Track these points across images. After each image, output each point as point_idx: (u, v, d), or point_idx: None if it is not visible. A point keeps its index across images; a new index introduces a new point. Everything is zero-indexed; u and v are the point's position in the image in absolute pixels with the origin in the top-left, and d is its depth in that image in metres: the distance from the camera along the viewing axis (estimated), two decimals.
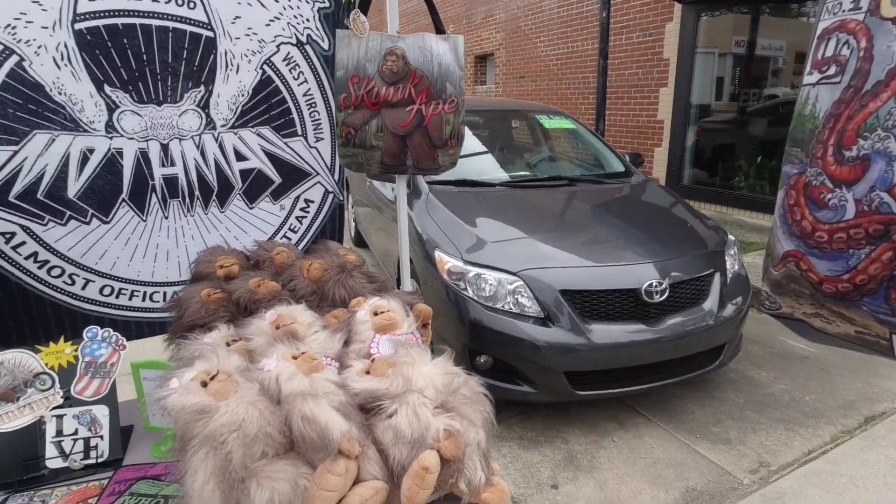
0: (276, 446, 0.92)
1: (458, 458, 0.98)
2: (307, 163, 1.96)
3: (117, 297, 1.78)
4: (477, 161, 3.82)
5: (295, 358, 1.02)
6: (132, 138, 1.66)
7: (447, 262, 2.77)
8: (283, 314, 1.17)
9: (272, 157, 1.87)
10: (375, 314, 1.23)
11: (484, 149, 4.15)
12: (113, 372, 1.28)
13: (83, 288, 1.72)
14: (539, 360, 2.53)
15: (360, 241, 5.65)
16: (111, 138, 1.64)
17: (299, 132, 1.92)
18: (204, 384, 0.93)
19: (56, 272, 1.68)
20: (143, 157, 1.68)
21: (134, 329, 1.82)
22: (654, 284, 2.62)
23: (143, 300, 1.81)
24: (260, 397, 0.94)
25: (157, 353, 1.33)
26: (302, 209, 1.99)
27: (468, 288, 2.66)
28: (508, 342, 2.55)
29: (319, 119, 1.97)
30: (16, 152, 1.54)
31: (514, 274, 2.62)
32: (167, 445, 1.24)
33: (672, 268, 2.74)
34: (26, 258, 1.63)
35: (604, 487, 2.35)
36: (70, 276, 1.70)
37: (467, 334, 2.63)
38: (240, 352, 1.09)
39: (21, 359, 1.22)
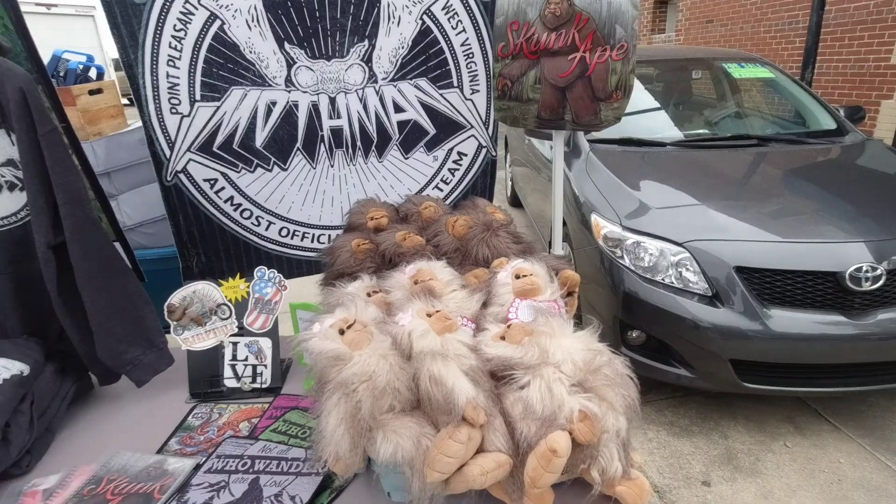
0: (403, 401, 0.92)
1: (592, 444, 0.89)
2: (462, 115, 1.94)
3: (291, 237, 1.97)
4: (646, 117, 3.45)
5: (429, 315, 1.01)
6: (306, 92, 1.78)
7: (604, 227, 2.57)
8: (422, 269, 1.16)
9: (428, 109, 1.88)
10: (517, 277, 1.16)
11: (655, 103, 3.74)
12: (276, 309, 1.40)
13: (266, 229, 1.93)
14: (701, 342, 2.26)
15: (515, 202, 5.58)
16: (289, 92, 1.77)
17: (455, 83, 1.90)
18: (341, 332, 0.95)
19: (246, 214, 1.89)
20: (314, 110, 1.80)
21: (305, 267, 2.02)
22: (865, 269, 2.14)
23: (312, 241, 1.99)
24: (391, 351, 0.94)
25: (312, 296, 1.42)
26: (455, 162, 1.99)
27: (625, 256, 2.45)
28: (667, 319, 2.31)
29: (476, 70, 1.91)
30: (218, 108, 1.73)
31: (679, 244, 2.34)
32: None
33: (892, 251, 2.21)
34: (224, 202, 1.85)
35: (767, 496, 2.06)
36: (257, 217, 1.90)
37: (620, 306, 2.44)
38: (378, 303, 1.11)
39: (208, 290, 1.39)
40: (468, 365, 0.93)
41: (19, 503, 1.04)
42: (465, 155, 2.00)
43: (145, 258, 2.58)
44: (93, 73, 2.61)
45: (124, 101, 2.67)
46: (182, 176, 1.79)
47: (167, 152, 1.75)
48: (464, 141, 1.98)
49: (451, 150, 1.97)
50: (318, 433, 0.92)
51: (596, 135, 3.24)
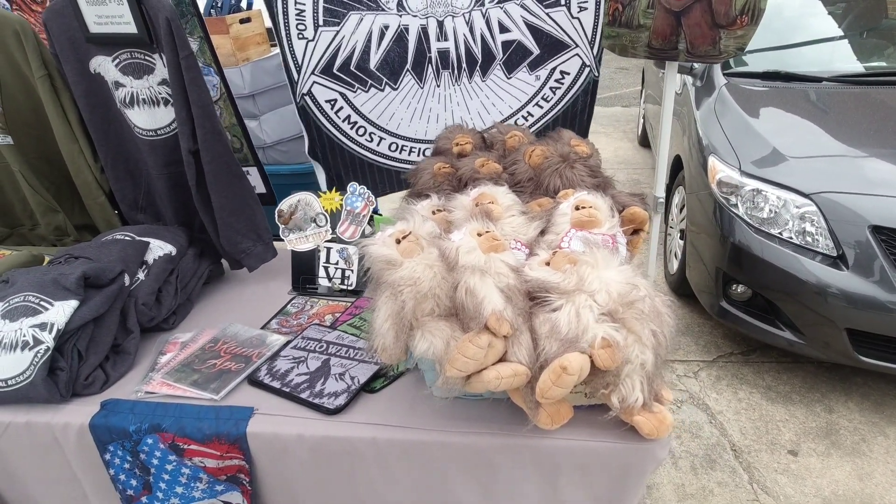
0: (442, 308, 1.03)
1: (611, 371, 0.93)
2: (567, 34, 1.91)
3: (399, 152, 2.15)
4: (803, 48, 2.99)
5: (480, 235, 1.09)
6: (416, 16, 1.87)
7: (720, 171, 2.37)
8: (484, 193, 1.23)
9: (533, 29, 1.88)
10: (577, 209, 1.19)
11: (817, 28, 3.18)
12: (364, 221, 1.57)
13: (378, 144, 2.12)
14: (817, 307, 2.06)
15: (644, 141, 5.23)
16: (401, 16, 1.87)
17: (563, 2, 1.85)
18: (398, 241, 1.08)
19: (361, 131, 2.08)
20: (423, 33, 1.88)
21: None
22: None
23: (418, 155, 2.14)
24: (438, 262, 1.05)
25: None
26: (557, 80, 1.98)
27: (739, 205, 2.26)
28: (780, 278, 2.12)
29: None
30: (337, 32, 1.89)
31: (806, 196, 2.10)
32: None
33: None
34: (342, 121, 2.04)
35: (865, 479, 1.90)
36: (370, 134, 2.08)
37: (726, 258, 2.29)
38: (439, 221, 1.21)
39: (309, 199, 1.59)
40: (505, 283, 1.01)
41: (165, 348, 1.37)
42: (568, 74, 1.98)
43: (280, 173, 2.94)
44: (244, 4, 2.90)
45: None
46: (308, 98, 2.00)
47: (295, 76, 1.96)
48: (568, 60, 1.95)
49: (553, 69, 1.96)
50: (369, 325, 1.07)
51: (735, 66, 2.90)
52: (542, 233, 1.22)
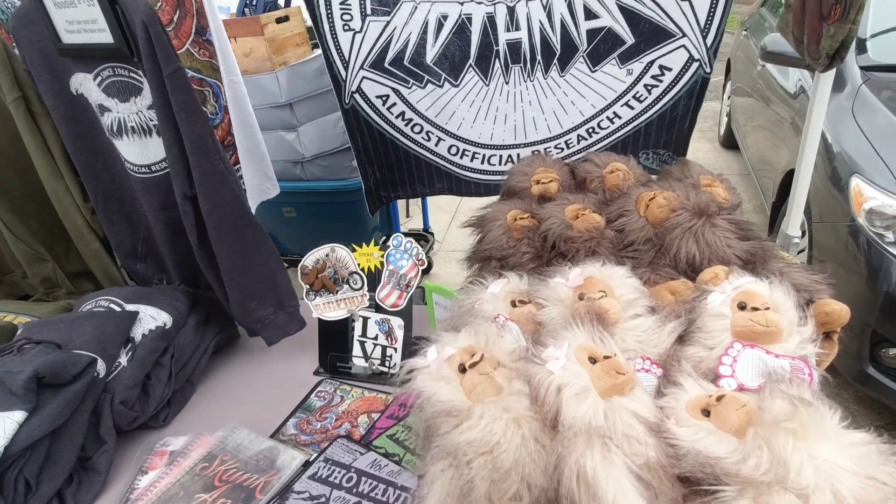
0: (536, 493, 0.63)
1: None
2: (673, 20, 1.50)
3: (461, 157, 1.87)
4: None
5: (594, 361, 0.68)
6: (481, 3, 1.57)
7: (870, 197, 1.84)
8: (593, 278, 0.81)
9: (628, 14, 1.50)
10: (742, 308, 0.75)
11: None
12: (412, 286, 1.19)
13: (436, 145, 1.86)
14: None
15: (728, 141, 4.61)
16: (462, 4, 1.59)
17: None
18: (462, 369, 0.68)
19: (417, 129, 1.83)
20: (489, 23, 1.59)
21: (473, 188, 1.92)
22: None
23: (482, 162, 1.86)
24: (528, 413, 0.65)
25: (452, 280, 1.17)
26: (654, 77, 1.59)
27: None
28: None
29: None
30: (388, 22, 1.62)
31: None
32: None
33: None
34: (396, 117, 1.80)
35: None
36: (427, 132, 1.83)
37: (878, 310, 1.76)
38: (524, 321, 0.80)
39: (342, 255, 1.22)
40: (643, 459, 0.60)
41: (148, 462, 1.03)
42: (669, 69, 1.57)
43: (320, 190, 2.62)
44: (281, 1, 2.58)
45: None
46: (357, 96, 1.77)
47: (343, 73, 1.73)
48: (670, 52, 1.54)
49: (651, 62, 1.57)
50: (418, 499, 0.68)
51: (875, 58, 2.33)
52: (680, 339, 0.79)
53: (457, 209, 3.91)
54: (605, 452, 0.59)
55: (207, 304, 1.30)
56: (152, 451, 1.06)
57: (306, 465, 0.99)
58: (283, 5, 2.56)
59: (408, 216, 3.69)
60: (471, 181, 1.91)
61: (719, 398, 0.65)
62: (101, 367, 1.04)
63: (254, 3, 2.50)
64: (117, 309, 1.16)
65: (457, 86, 1.71)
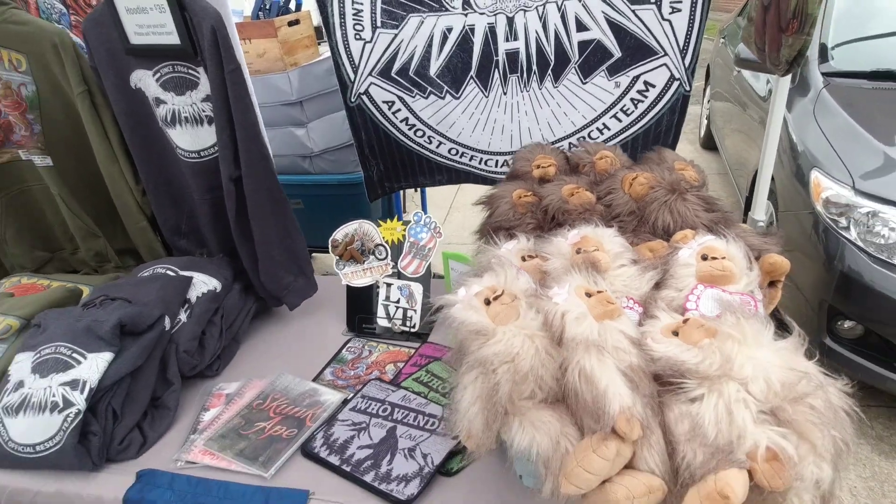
0: (546, 391, 0.82)
1: (777, 491, 0.70)
2: (655, 38, 1.65)
3: (461, 157, 2.00)
4: None
5: (589, 295, 0.87)
6: (483, 13, 1.69)
7: (827, 188, 2.07)
8: (587, 237, 1.01)
9: (615, 27, 1.64)
10: (704, 258, 0.96)
11: None
12: (430, 255, 1.38)
13: (437, 147, 1.98)
14: None
15: (708, 143, 4.86)
16: (466, 15, 1.70)
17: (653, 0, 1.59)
18: (487, 302, 0.87)
19: (419, 133, 1.95)
20: (490, 33, 1.71)
21: (472, 178, 2.05)
22: None
23: (480, 163, 2.00)
24: (540, 332, 0.84)
25: (465, 247, 1.36)
26: (639, 92, 1.74)
27: (851, 228, 1.95)
28: None
29: None
30: (396, 35, 1.75)
31: None
32: None
33: None
34: (400, 121, 1.93)
35: None
36: (428, 137, 1.95)
37: (833, 288, 1.99)
38: (532, 271, 1.00)
39: (368, 229, 1.41)
40: (628, 363, 0.80)
41: (209, 402, 1.21)
42: (653, 86, 1.72)
43: (328, 183, 2.79)
44: (293, 5, 2.76)
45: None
46: (364, 97, 1.90)
47: (351, 76, 1.86)
48: (653, 70, 1.69)
49: (636, 77, 1.71)
50: (453, 405, 0.87)
51: (837, 66, 2.57)
52: (657, 286, 0.99)
53: (451, 205, 4.11)
54: (599, 356, 0.78)
55: (247, 274, 1.47)
56: (210, 393, 1.23)
57: (345, 402, 1.17)
58: (294, 9, 2.74)
59: (404, 211, 3.88)
60: (470, 172, 2.06)
61: (685, 321, 0.85)
62: (166, 321, 1.21)
63: (267, 6, 2.67)
64: (173, 274, 1.33)
65: (457, 98, 1.81)
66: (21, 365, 1.08)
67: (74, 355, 1.06)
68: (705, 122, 4.97)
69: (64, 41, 1.33)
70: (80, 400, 1.02)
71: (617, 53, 1.68)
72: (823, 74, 2.55)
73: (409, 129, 1.95)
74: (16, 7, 1.33)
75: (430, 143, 1.97)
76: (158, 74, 1.30)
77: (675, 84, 1.70)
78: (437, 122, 1.90)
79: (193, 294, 1.31)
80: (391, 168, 2.08)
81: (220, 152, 1.28)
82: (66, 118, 1.42)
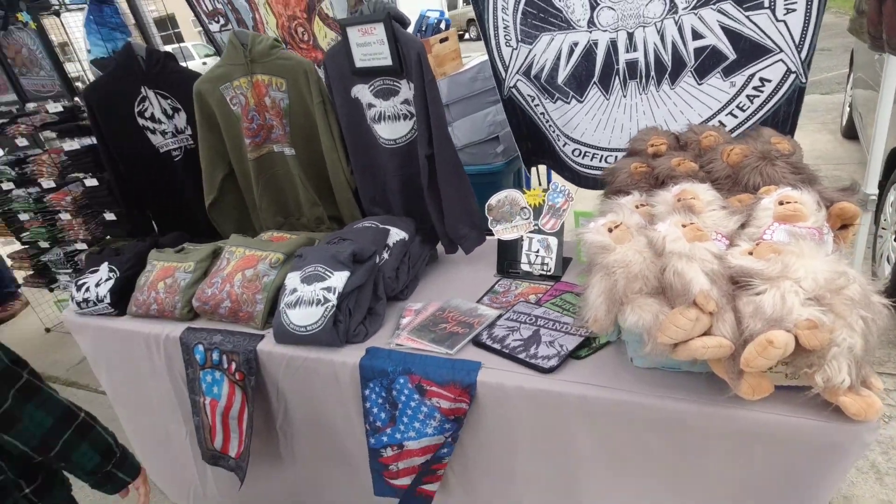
0: (650, 287, 1.19)
1: (815, 351, 1.02)
2: (770, 38, 1.80)
3: (583, 157, 2.27)
4: None
5: (684, 227, 1.23)
6: (605, 30, 1.97)
7: None
8: (686, 189, 1.36)
9: (730, 33, 1.81)
10: (780, 203, 1.26)
11: None
12: (563, 215, 1.79)
13: (563, 146, 2.29)
14: None
15: (849, 132, 4.65)
16: (590, 32, 1.99)
17: (766, 4, 1.76)
18: (610, 230, 1.27)
19: (552, 129, 2.26)
20: (612, 46, 1.95)
21: (591, 182, 2.30)
22: None
23: (600, 161, 2.24)
24: (646, 249, 1.22)
25: (592, 206, 1.75)
26: (755, 88, 1.88)
27: None
28: None
29: None
30: (531, 49, 2.08)
31: None
32: (584, 277, 1.69)
33: None
34: (539, 114, 2.25)
35: None
36: (557, 135, 2.26)
37: None
38: (643, 214, 1.37)
39: (515, 196, 1.86)
40: (710, 268, 1.15)
41: (404, 313, 1.73)
42: (769, 81, 1.87)
43: (468, 172, 3.30)
44: (442, 25, 3.31)
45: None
46: (514, 90, 2.23)
47: (503, 74, 2.22)
48: (769, 66, 1.85)
49: (752, 75, 1.86)
50: (583, 300, 1.28)
51: None
52: (743, 227, 1.31)
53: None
54: (688, 261, 1.14)
55: (422, 230, 2.00)
56: (404, 308, 1.76)
57: (499, 316, 1.62)
58: (444, 28, 3.29)
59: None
60: (588, 177, 2.28)
61: (757, 244, 1.18)
62: (377, 258, 1.75)
63: (423, 28, 3.25)
64: (377, 226, 1.88)
65: (581, 101, 2.06)
66: (293, 279, 1.68)
67: (326, 272, 1.63)
68: (847, 109, 4.76)
69: (310, 68, 1.94)
70: (332, 299, 1.59)
71: (732, 56, 1.82)
72: None
73: (545, 123, 2.28)
74: (283, 48, 1.98)
75: (559, 140, 2.27)
76: (372, 86, 1.86)
77: (792, 77, 1.82)
78: (563, 123, 2.18)
79: (391, 240, 1.84)
80: (538, 146, 2.39)
81: (419, 137, 1.81)
82: (306, 120, 2.05)
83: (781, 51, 1.81)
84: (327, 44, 2.73)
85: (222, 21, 2.92)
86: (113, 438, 1.25)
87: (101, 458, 1.21)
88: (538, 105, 2.24)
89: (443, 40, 3.19)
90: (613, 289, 1.20)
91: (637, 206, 1.42)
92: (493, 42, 2.18)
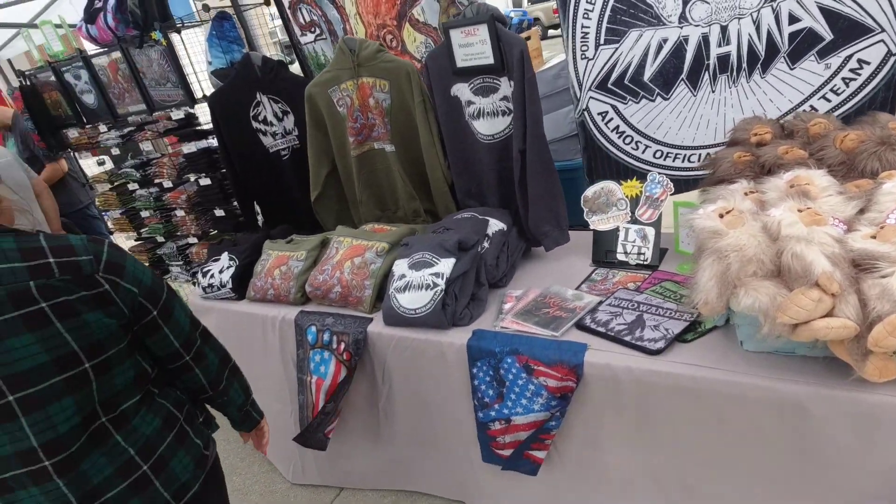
0: (765, 271, 1.21)
1: None
2: (871, 16, 1.70)
3: (664, 158, 2.18)
4: None
5: (800, 211, 1.24)
6: (698, 25, 1.85)
7: None
8: (800, 175, 1.36)
9: (827, 13, 1.71)
10: None
11: None
12: (661, 206, 1.81)
13: (642, 152, 2.16)
14: None
15: None
16: (681, 28, 1.88)
17: None
18: (721, 216, 1.30)
19: (627, 140, 2.16)
20: (703, 41, 1.88)
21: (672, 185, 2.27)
22: None
23: (683, 161, 2.12)
24: (760, 233, 1.24)
25: (692, 198, 1.77)
26: (852, 70, 1.76)
27: None
28: None
29: None
30: (616, 49, 2.00)
31: None
32: (687, 266, 1.70)
33: None
34: (611, 131, 2.15)
35: None
36: (636, 142, 2.15)
37: None
38: (754, 200, 1.38)
39: (612, 187, 1.90)
40: (830, 251, 1.15)
41: (505, 299, 1.81)
42: (867, 63, 1.75)
43: None
44: (524, 24, 3.38)
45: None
46: (586, 113, 2.16)
47: (578, 93, 2.14)
48: (868, 47, 1.74)
49: (849, 57, 1.76)
50: (693, 284, 1.31)
51: None
52: (861, 212, 1.30)
53: None
54: (808, 244, 1.16)
55: (518, 222, 2.08)
56: (504, 295, 1.84)
57: (600, 302, 1.67)
58: (526, 27, 3.36)
59: None
60: (673, 179, 2.08)
61: (881, 227, 1.17)
62: (479, 246, 1.85)
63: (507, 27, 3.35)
64: (478, 217, 1.98)
65: (667, 99, 1.98)
66: (401, 265, 1.81)
67: (433, 259, 1.75)
68: None
69: (412, 70, 2.07)
70: (440, 283, 1.70)
71: (828, 37, 1.73)
72: None
73: (619, 138, 2.15)
74: (386, 51, 2.12)
75: (637, 148, 2.14)
76: (472, 84, 1.96)
77: (893, 59, 1.71)
78: (644, 125, 2.09)
79: (490, 230, 1.94)
80: (604, 164, 2.27)
81: (514, 132, 1.89)
82: (406, 118, 2.18)
83: (884, 30, 1.70)
84: (415, 48, 2.86)
85: (317, 31, 3.13)
86: (247, 382, 1.43)
87: (244, 396, 1.39)
88: (611, 120, 2.13)
89: (526, 39, 3.26)
90: (726, 272, 1.23)
91: (746, 193, 1.43)
92: (570, 55, 2.10)
